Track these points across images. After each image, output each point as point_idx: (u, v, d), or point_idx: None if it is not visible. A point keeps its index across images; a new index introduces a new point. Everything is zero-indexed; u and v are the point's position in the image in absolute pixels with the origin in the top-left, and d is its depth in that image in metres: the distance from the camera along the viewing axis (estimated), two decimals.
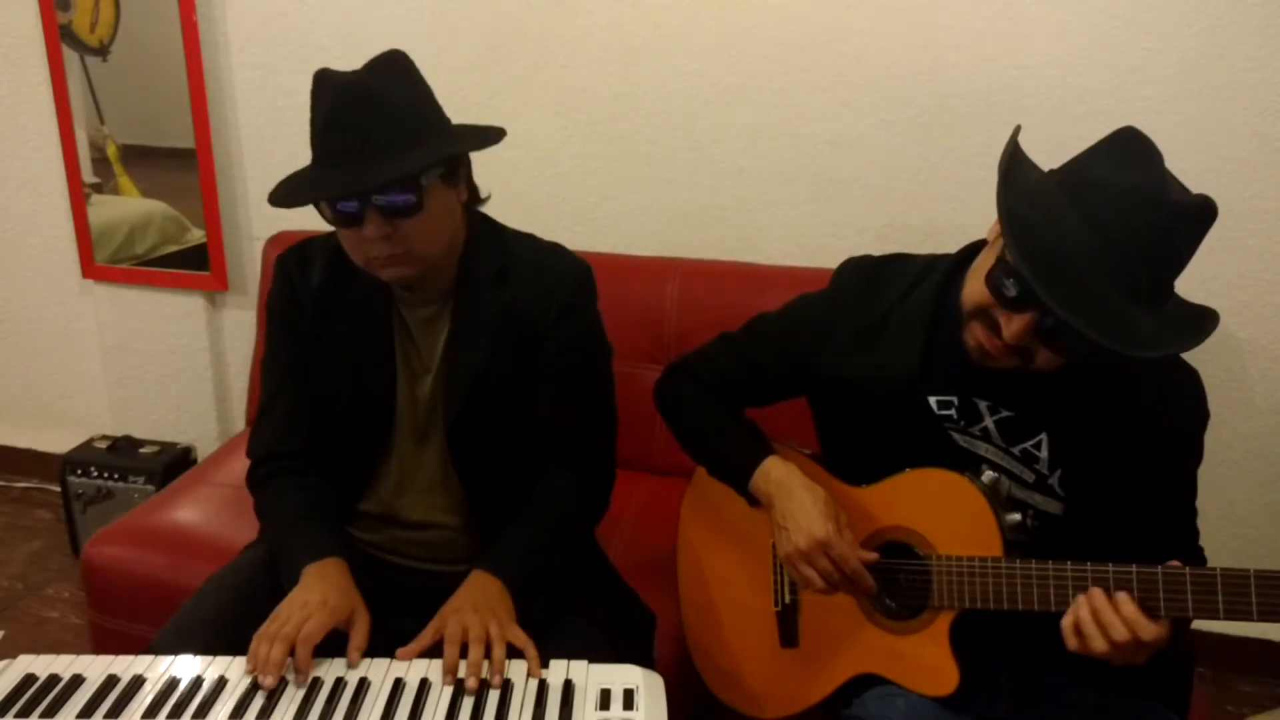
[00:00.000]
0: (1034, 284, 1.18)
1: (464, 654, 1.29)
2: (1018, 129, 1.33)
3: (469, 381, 1.50)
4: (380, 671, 1.30)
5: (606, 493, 1.61)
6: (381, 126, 1.33)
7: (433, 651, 1.32)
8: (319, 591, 1.35)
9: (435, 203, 1.39)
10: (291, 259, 1.56)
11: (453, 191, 1.45)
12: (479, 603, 1.36)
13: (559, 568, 1.50)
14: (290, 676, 1.27)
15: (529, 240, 1.58)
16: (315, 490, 1.53)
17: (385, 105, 1.33)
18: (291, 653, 1.28)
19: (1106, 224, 1.19)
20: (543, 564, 1.47)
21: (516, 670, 1.30)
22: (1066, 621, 1.26)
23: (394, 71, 1.38)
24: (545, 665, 1.30)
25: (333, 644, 1.32)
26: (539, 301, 1.51)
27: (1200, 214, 1.19)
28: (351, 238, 1.40)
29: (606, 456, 1.60)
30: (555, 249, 1.58)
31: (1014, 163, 1.29)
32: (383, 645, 1.34)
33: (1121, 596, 1.23)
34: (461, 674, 1.27)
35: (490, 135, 1.45)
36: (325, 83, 1.36)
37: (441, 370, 1.52)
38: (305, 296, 1.53)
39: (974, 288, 1.31)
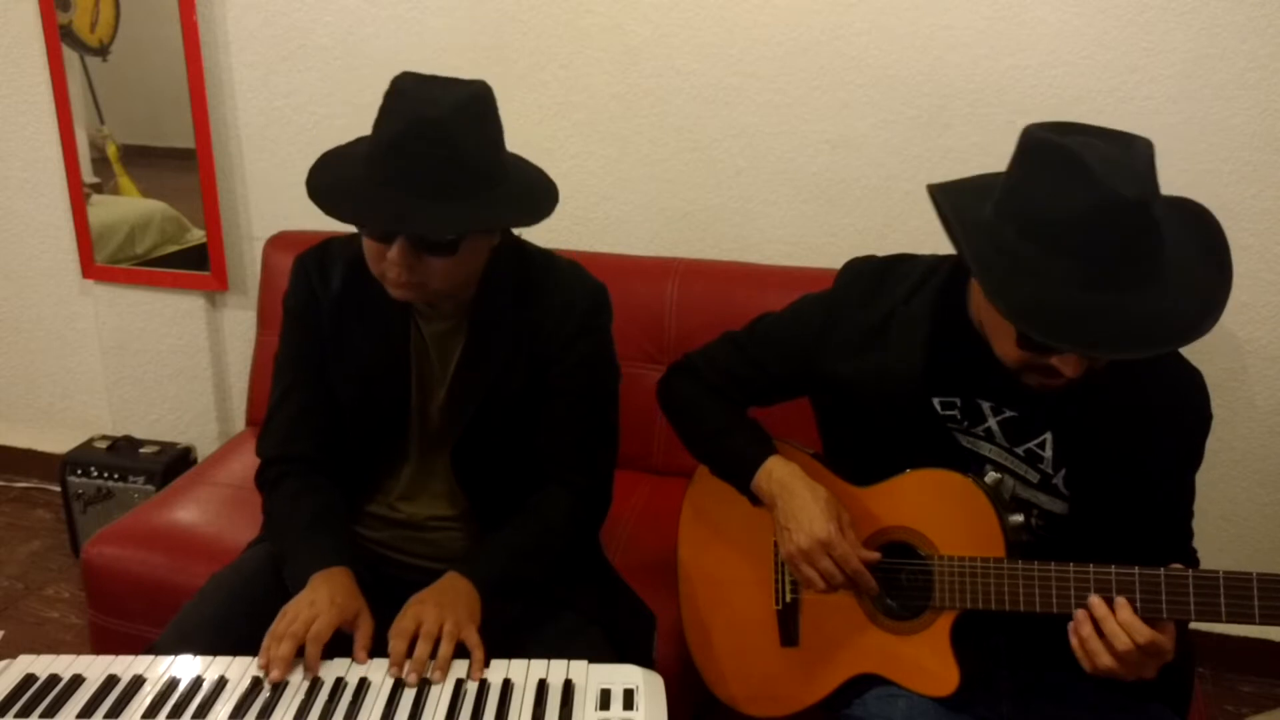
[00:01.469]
0: (1072, 350, 1.19)
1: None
2: (933, 190, 1.31)
3: (479, 397, 1.50)
4: (380, 671, 1.30)
5: (599, 514, 1.61)
6: (444, 169, 1.31)
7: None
8: (326, 592, 1.35)
9: (468, 248, 1.39)
10: (311, 261, 1.55)
11: (488, 236, 1.45)
12: (442, 598, 1.36)
13: (536, 579, 1.49)
14: (296, 674, 1.28)
15: (548, 258, 1.58)
16: (324, 495, 1.53)
17: (455, 150, 1.31)
18: (301, 651, 1.28)
19: (1081, 252, 1.17)
20: (518, 572, 1.47)
21: (517, 670, 1.30)
22: (1074, 643, 1.26)
23: (476, 111, 1.35)
24: (546, 665, 1.30)
25: (335, 644, 1.32)
26: (555, 321, 1.51)
27: (1151, 165, 1.18)
28: (374, 248, 1.39)
29: (602, 478, 1.60)
30: (573, 268, 1.58)
31: (959, 225, 1.26)
32: (385, 644, 1.34)
33: (1120, 601, 1.23)
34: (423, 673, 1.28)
35: (544, 204, 1.43)
36: (404, 99, 1.33)
37: (454, 384, 1.52)
38: (324, 300, 1.53)
39: (1005, 348, 1.29)
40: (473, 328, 1.51)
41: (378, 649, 1.34)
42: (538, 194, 1.45)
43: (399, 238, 1.34)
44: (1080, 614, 1.25)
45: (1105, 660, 1.22)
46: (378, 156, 1.34)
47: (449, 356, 1.52)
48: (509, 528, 1.51)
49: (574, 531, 1.56)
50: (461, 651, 1.32)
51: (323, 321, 1.53)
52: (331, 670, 1.29)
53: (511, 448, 1.55)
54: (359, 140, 1.45)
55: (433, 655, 1.30)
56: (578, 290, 1.55)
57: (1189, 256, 1.23)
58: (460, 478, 1.54)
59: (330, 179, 1.39)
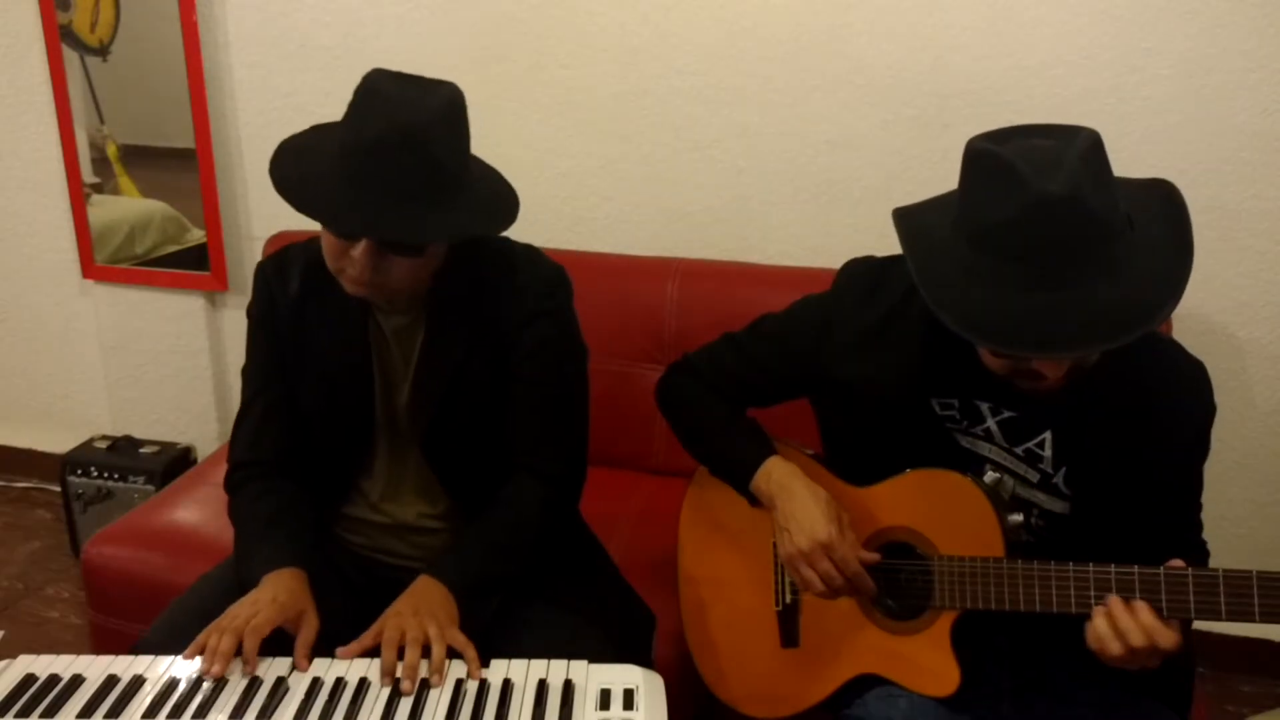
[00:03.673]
0: (1023, 353, 1.20)
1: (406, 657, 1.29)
2: (896, 215, 1.32)
3: (442, 389, 1.50)
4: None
5: (572, 499, 1.61)
6: (419, 174, 1.32)
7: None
8: (269, 590, 1.36)
9: (433, 250, 1.41)
10: (270, 266, 1.56)
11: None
12: (419, 606, 1.36)
13: (511, 574, 1.49)
14: (298, 675, 1.28)
15: (504, 244, 1.57)
16: (284, 497, 1.53)
17: (432, 156, 1.32)
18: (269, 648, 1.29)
19: (1022, 255, 1.17)
20: (492, 570, 1.47)
21: (517, 670, 1.30)
22: (1090, 633, 1.26)
23: (452, 118, 1.35)
24: (546, 665, 1.30)
25: (337, 641, 1.33)
26: (512, 307, 1.50)
27: (1086, 159, 1.16)
28: (335, 245, 1.37)
29: (573, 463, 1.59)
30: (529, 252, 1.57)
31: (913, 245, 1.28)
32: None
33: (1139, 604, 1.23)
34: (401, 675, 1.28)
35: (509, 210, 1.43)
36: (382, 100, 1.33)
37: (417, 378, 1.52)
38: (283, 305, 1.53)
39: (985, 357, 1.30)
40: (431, 320, 1.50)
41: (374, 651, 1.32)
42: (502, 200, 1.45)
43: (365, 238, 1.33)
44: (1098, 611, 1.25)
45: (1115, 647, 1.23)
46: (352, 155, 1.33)
47: (410, 350, 1.52)
48: (480, 523, 1.50)
49: (547, 520, 1.55)
50: (453, 656, 1.31)
51: (283, 326, 1.54)
52: (332, 670, 1.30)
53: (483, 438, 1.54)
54: (317, 129, 1.44)
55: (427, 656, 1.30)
56: (533, 273, 1.54)
57: (1153, 240, 1.23)
58: (435, 472, 1.54)
59: (297, 173, 1.38)
